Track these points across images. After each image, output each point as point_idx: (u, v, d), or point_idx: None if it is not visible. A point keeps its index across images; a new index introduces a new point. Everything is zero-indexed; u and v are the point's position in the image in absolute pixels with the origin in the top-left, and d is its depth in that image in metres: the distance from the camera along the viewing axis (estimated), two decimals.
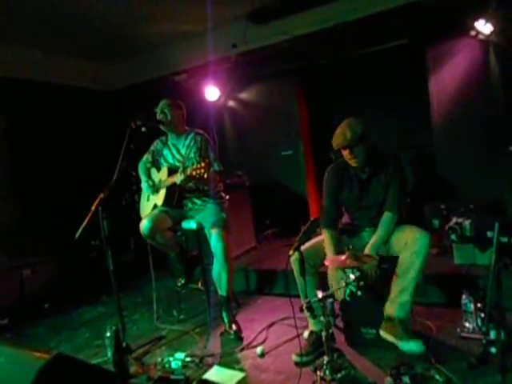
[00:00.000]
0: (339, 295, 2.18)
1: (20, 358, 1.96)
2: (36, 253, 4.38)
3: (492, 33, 3.69)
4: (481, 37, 3.79)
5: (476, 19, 3.64)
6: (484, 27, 3.64)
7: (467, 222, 3.03)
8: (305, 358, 2.38)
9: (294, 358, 2.41)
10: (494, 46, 3.78)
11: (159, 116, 3.06)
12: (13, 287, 4.02)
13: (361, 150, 2.36)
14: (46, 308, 4.03)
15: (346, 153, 2.38)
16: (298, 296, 2.54)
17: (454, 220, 3.11)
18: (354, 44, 4.46)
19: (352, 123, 2.36)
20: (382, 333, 2.34)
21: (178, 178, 2.81)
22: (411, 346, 2.24)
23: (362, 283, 2.20)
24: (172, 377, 2.33)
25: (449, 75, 4.02)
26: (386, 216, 2.42)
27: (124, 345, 2.56)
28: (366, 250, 2.36)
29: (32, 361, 1.89)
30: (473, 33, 3.80)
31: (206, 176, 2.68)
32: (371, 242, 2.39)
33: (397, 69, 4.51)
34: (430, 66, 4.10)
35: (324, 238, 2.48)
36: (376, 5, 3.90)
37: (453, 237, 3.05)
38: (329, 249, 2.41)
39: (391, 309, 2.34)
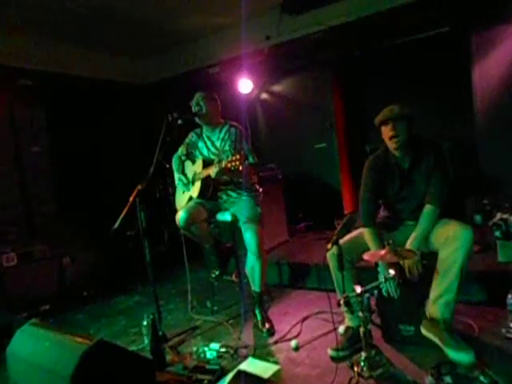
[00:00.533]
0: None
1: (64, 343, 2.03)
2: (75, 242, 4.54)
3: None
4: None
5: None
6: None
7: None
8: (341, 353, 2.34)
9: (330, 352, 2.37)
10: None
11: (194, 108, 3.08)
12: (53, 275, 4.18)
13: (404, 127, 2.27)
14: (85, 296, 4.18)
15: (387, 129, 2.29)
16: (332, 290, 2.51)
17: (499, 216, 2.99)
18: (391, 33, 4.32)
19: (400, 105, 2.31)
20: (424, 331, 2.25)
21: (213, 171, 2.82)
22: (461, 357, 2.09)
23: (401, 280, 2.15)
24: (207, 366, 2.35)
25: (495, 63, 3.81)
26: (428, 209, 2.30)
27: (160, 334, 2.62)
28: (407, 245, 2.27)
29: (75, 346, 1.95)
30: None
31: (240, 168, 2.67)
32: (412, 237, 2.30)
33: (436, 58, 4.32)
34: (475, 54, 3.91)
35: (366, 236, 2.40)
36: None
37: (497, 233, 2.94)
38: (374, 247, 2.33)
39: (433, 309, 2.23)
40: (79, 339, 2.03)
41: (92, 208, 4.76)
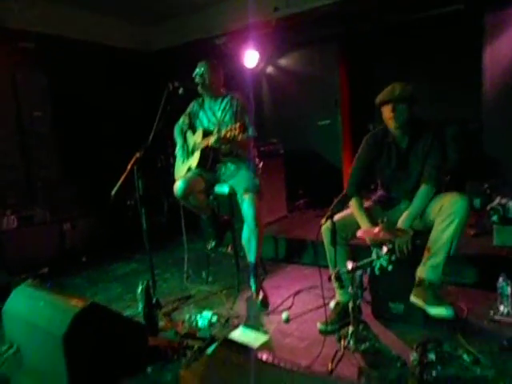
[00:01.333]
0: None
1: (58, 304, 2.08)
2: (76, 208, 4.58)
3: None
4: None
5: None
6: None
7: (511, 204, 2.90)
8: (329, 327, 2.38)
9: (319, 325, 2.42)
10: None
11: (197, 78, 3.04)
12: (53, 240, 4.24)
13: (404, 109, 2.26)
14: (84, 261, 4.25)
15: (387, 109, 2.28)
16: (327, 267, 2.53)
17: (498, 200, 2.98)
18: (402, 8, 4.19)
19: (402, 84, 2.29)
20: (413, 298, 2.27)
21: (212, 139, 2.81)
22: (440, 311, 2.15)
23: (393, 257, 2.16)
24: (198, 334, 2.41)
25: (507, 44, 3.71)
26: (423, 188, 2.30)
27: (154, 300, 2.66)
28: (399, 223, 2.28)
29: (69, 307, 2.00)
30: None
31: (239, 138, 2.65)
32: (404, 215, 2.30)
33: (447, 36, 4.22)
34: (488, 35, 3.81)
35: (353, 206, 2.43)
36: None
37: (494, 218, 2.94)
38: (361, 218, 2.35)
39: (422, 271, 2.25)
40: (73, 301, 2.08)
41: (93, 175, 4.78)
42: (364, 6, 4.22)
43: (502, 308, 2.38)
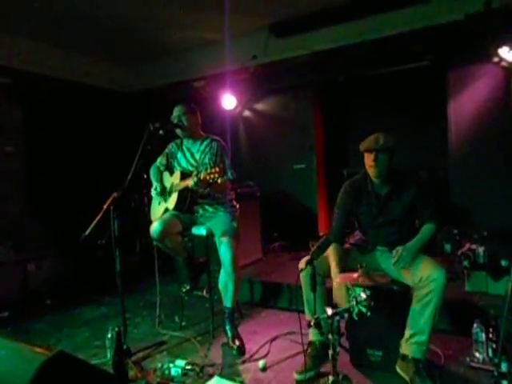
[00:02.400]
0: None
1: (21, 353, 1.94)
2: (42, 248, 4.39)
3: None
4: (504, 64, 3.77)
5: (500, 46, 3.64)
6: (508, 54, 3.64)
7: (481, 249, 3.00)
8: (307, 375, 2.32)
9: (296, 376, 2.36)
10: None
11: (175, 121, 3.06)
12: (16, 280, 4.02)
13: (385, 158, 2.34)
14: (48, 304, 4.01)
15: (369, 157, 2.36)
16: (304, 311, 2.50)
17: (467, 246, 3.08)
18: (374, 63, 4.46)
19: (387, 134, 2.38)
20: (398, 369, 2.28)
21: (191, 182, 2.80)
22: None
23: (372, 303, 2.16)
24: None
25: (469, 100, 4.00)
26: (427, 226, 2.39)
27: (124, 348, 2.53)
28: (399, 249, 2.30)
29: (33, 356, 1.86)
30: (496, 59, 3.79)
31: (219, 181, 2.65)
32: (409, 244, 2.33)
33: (416, 89, 4.51)
34: (451, 89, 4.09)
35: (331, 251, 2.46)
36: (399, 26, 3.91)
37: (465, 263, 3.02)
38: (335, 261, 2.38)
39: (405, 347, 2.26)
40: (38, 349, 1.93)
41: (62, 213, 4.63)
42: (337, 59, 4.46)
43: (477, 355, 2.40)
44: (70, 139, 4.87)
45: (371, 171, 2.39)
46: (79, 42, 4.69)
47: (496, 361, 2.14)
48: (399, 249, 2.30)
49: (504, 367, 2.10)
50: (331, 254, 2.44)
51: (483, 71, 3.94)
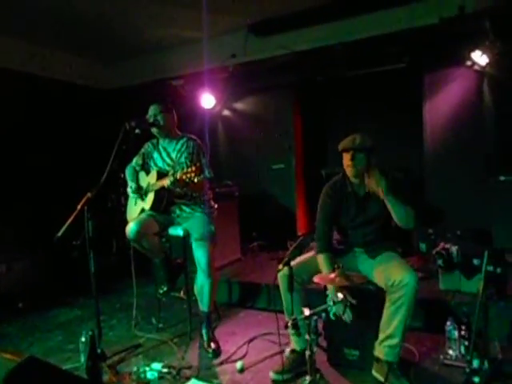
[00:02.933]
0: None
1: None
2: (13, 249, 4.24)
3: (487, 64, 3.78)
4: (476, 67, 3.88)
5: (473, 50, 3.73)
6: (480, 58, 3.74)
7: (454, 249, 3.07)
8: (284, 376, 2.32)
9: (273, 375, 2.36)
10: (489, 78, 3.87)
11: (151, 120, 3.01)
12: None
13: (362, 157, 2.35)
14: (20, 307, 3.88)
15: (347, 157, 2.37)
16: (282, 311, 2.50)
17: (442, 245, 3.14)
18: (352, 64, 4.51)
19: (364, 135, 2.40)
20: (374, 373, 2.30)
21: (167, 181, 2.76)
22: None
23: (348, 303, 2.18)
24: None
25: (444, 102, 4.09)
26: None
27: (99, 351, 2.47)
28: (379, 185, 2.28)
29: (2, 363, 1.79)
30: (469, 63, 3.90)
31: (195, 180, 2.63)
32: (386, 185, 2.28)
33: (393, 91, 4.58)
34: (426, 92, 4.18)
35: (320, 261, 2.42)
36: (376, 28, 3.96)
37: (439, 262, 3.08)
38: (327, 272, 2.34)
39: (379, 350, 2.28)
40: (7, 355, 1.87)
41: (33, 214, 4.49)
42: (316, 60, 4.49)
43: (450, 352, 2.46)
44: (44, 136, 4.73)
45: (349, 171, 2.41)
46: (53, 38, 4.56)
47: (468, 358, 2.19)
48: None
49: (476, 364, 2.15)
50: (321, 265, 2.40)
51: (457, 74, 4.04)
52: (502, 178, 3.40)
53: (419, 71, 4.21)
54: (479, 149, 3.92)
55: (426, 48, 3.96)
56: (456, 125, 4.05)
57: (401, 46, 4.03)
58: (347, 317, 2.22)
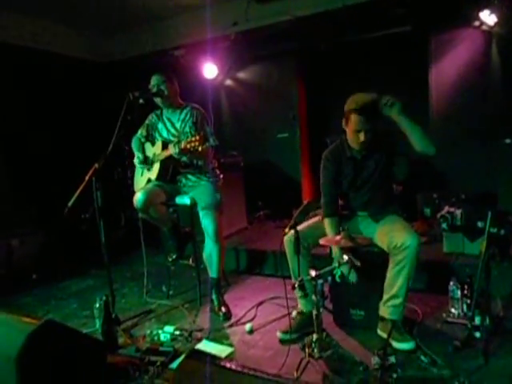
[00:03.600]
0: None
1: (10, 323, 1.96)
2: (25, 223, 4.34)
3: (496, 24, 3.69)
4: (484, 27, 3.78)
5: (481, 9, 3.63)
6: (488, 18, 3.64)
7: (458, 212, 3.09)
8: (290, 336, 2.40)
9: (280, 335, 2.45)
10: (497, 38, 3.78)
11: (154, 89, 3.00)
12: (1, 257, 3.98)
13: (374, 125, 2.30)
14: (34, 278, 4.00)
15: (359, 120, 2.26)
16: (288, 277, 2.56)
17: (446, 209, 3.16)
18: (356, 28, 4.40)
19: (380, 95, 2.32)
20: (379, 332, 2.38)
21: (172, 151, 2.79)
22: (403, 346, 2.22)
23: (353, 265, 2.23)
24: (161, 349, 2.34)
25: (450, 64, 4.01)
26: None
27: (113, 316, 2.57)
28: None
29: (22, 326, 1.89)
30: (477, 23, 3.80)
31: (200, 149, 2.65)
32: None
33: (398, 56, 4.48)
34: (433, 55, 4.10)
35: (326, 225, 2.47)
36: None
37: (444, 225, 3.11)
38: (332, 235, 2.39)
39: (383, 310, 2.36)
40: (27, 319, 1.97)
41: (43, 188, 4.55)
42: (319, 25, 4.38)
43: (453, 310, 2.52)
44: (48, 111, 4.73)
45: (360, 136, 2.29)
46: (54, 12, 4.49)
47: (470, 315, 2.26)
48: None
49: (477, 320, 2.22)
50: (329, 231, 2.43)
51: (464, 35, 3.94)
52: (508, 141, 3.38)
53: (425, 34, 4.12)
54: (485, 112, 3.87)
55: (432, 9, 3.84)
56: (462, 88, 3.98)
57: (406, 7, 3.91)
58: (352, 277, 2.28)
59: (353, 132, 2.34)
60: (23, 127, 4.52)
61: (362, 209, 2.56)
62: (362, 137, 2.30)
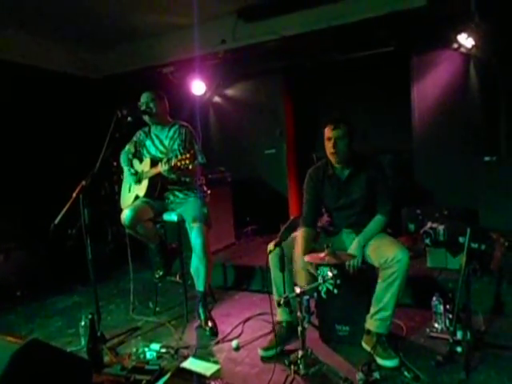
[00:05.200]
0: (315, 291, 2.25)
1: None
2: (10, 239, 4.28)
3: (473, 47, 3.83)
4: (462, 50, 3.93)
5: (459, 32, 3.78)
6: (466, 41, 3.78)
7: (441, 228, 3.17)
8: (270, 352, 2.43)
9: (261, 352, 2.46)
10: (475, 60, 3.93)
11: (143, 107, 3.04)
12: None
13: (345, 144, 2.45)
14: (19, 295, 3.94)
15: (329, 145, 2.47)
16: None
17: (429, 225, 3.24)
18: (341, 48, 4.53)
19: (343, 122, 2.47)
20: (364, 344, 2.41)
21: (162, 168, 2.81)
22: (387, 363, 2.23)
23: (338, 281, 2.27)
24: (147, 367, 2.33)
25: (431, 84, 4.15)
26: (378, 218, 2.51)
27: (99, 334, 2.55)
28: (352, 247, 2.44)
29: (5, 346, 1.87)
30: (455, 45, 3.94)
31: (190, 167, 2.69)
32: (356, 241, 2.47)
33: (382, 74, 4.63)
34: (414, 74, 4.24)
35: (299, 234, 2.55)
36: (364, 12, 3.97)
37: (427, 241, 3.18)
38: (300, 244, 2.47)
39: (370, 323, 2.39)
40: (11, 339, 1.94)
41: (30, 203, 4.51)
42: (305, 44, 4.50)
43: (436, 325, 2.57)
44: (36, 126, 4.72)
45: (333, 158, 2.51)
46: (43, 27, 4.51)
47: (452, 329, 2.30)
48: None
49: (459, 335, 2.27)
50: (298, 237, 2.53)
51: (444, 57, 4.09)
52: (487, 159, 3.48)
53: (407, 54, 4.26)
54: (466, 130, 4.01)
55: (413, 31, 3.99)
56: (443, 106, 4.12)
57: (389, 29, 4.05)
58: (336, 291, 2.31)
59: (326, 142, 2.51)
60: (10, 142, 4.50)
61: (347, 225, 2.63)
62: (331, 144, 2.44)
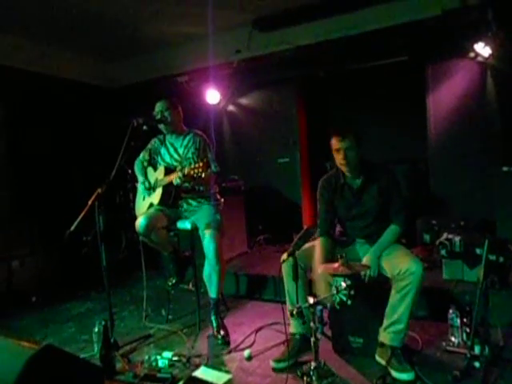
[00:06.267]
0: (330, 302, 2.21)
1: (8, 348, 1.96)
2: (26, 245, 4.35)
3: (490, 56, 3.79)
4: (479, 59, 3.89)
5: (476, 41, 3.75)
6: (483, 50, 3.75)
7: (457, 239, 3.11)
8: (282, 364, 2.40)
9: (273, 364, 2.43)
10: (492, 69, 3.88)
11: (158, 116, 3.09)
12: (0, 278, 3.98)
13: (354, 155, 2.42)
14: (34, 301, 4.00)
15: (339, 156, 2.44)
16: None
17: (445, 236, 3.18)
18: (355, 58, 4.53)
19: (351, 132, 2.45)
20: (377, 358, 2.36)
21: (176, 177, 2.83)
22: (402, 376, 2.19)
23: (352, 292, 2.24)
24: (158, 375, 2.33)
25: (447, 94, 4.11)
26: (393, 228, 2.48)
27: (111, 341, 2.56)
28: (365, 261, 2.40)
29: (21, 351, 1.88)
30: (472, 54, 3.91)
31: (203, 176, 2.70)
32: (371, 252, 2.43)
33: (396, 84, 4.60)
34: (429, 84, 4.20)
35: (317, 243, 2.52)
36: (379, 21, 3.99)
37: (443, 252, 3.13)
38: (319, 253, 2.45)
39: (384, 336, 2.35)
40: (26, 344, 1.95)
41: (46, 211, 4.59)
42: (320, 54, 4.52)
43: (453, 339, 2.51)
44: (54, 136, 4.82)
45: (343, 168, 2.49)
46: (60, 37, 4.63)
47: (469, 344, 2.25)
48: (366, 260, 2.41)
49: (477, 350, 2.21)
50: (317, 246, 2.50)
51: (460, 66, 4.05)
52: (505, 169, 3.42)
53: (422, 63, 4.23)
54: (483, 140, 3.95)
55: (428, 40, 3.97)
56: (459, 116, 4.07)
57: (404, 38, 4.05)
58: (350, 302, 2.28)
59: (334, 154, 2.48)
60: (25, 150, 4.59)
61: (360, 236, 2.60)
62: (341, 156, 2.41)
